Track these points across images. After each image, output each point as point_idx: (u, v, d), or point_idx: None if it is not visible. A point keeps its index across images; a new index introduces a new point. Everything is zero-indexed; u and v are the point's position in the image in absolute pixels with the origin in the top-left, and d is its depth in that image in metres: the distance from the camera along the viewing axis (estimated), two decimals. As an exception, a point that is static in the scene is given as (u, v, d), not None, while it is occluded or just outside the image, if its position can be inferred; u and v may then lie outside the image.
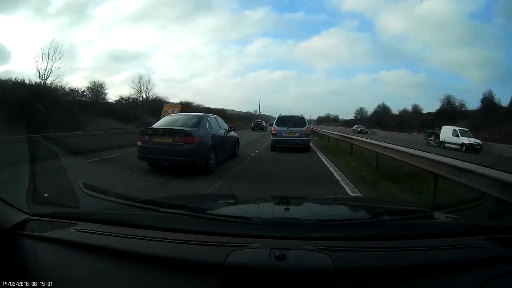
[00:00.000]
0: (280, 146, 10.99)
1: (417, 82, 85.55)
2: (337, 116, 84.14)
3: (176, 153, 6.02)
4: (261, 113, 62.61)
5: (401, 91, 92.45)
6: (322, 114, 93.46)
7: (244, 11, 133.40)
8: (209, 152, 6.41)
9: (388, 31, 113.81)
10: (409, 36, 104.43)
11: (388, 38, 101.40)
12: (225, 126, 8.44)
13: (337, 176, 6.53)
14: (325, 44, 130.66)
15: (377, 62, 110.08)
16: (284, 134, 11.08)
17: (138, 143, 6.46)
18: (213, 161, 6.56)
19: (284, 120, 11.63)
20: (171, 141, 6.09)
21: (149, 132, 6.42)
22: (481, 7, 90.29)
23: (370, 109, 65.22)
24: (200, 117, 7.28)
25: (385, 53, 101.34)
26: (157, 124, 7.18)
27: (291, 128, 11.12)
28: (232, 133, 8.77)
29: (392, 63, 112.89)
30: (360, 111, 67.99)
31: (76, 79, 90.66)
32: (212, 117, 7.73)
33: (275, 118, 12.47)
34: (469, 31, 79.26)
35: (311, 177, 6.46)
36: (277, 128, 11.32)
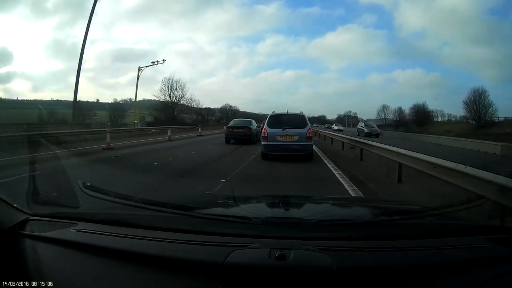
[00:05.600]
0: (273, 154, 8.74)
1: (431, 81, 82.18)
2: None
3: (243, 136, 14.75)
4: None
5: (415, 90, 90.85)
6: (342, 113, 77.44)
7: (255, 5, 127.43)
8: (255, 136, 14.92)
9: (406, 27, 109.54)
10: (427, 33, 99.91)
11: (406, 35, 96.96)
12: (255, 124, 16.71)
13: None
14: (340, 41, 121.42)
15: (392, 61, 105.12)
16: (278, 138, 8.68)
17: (225, 132, 15.96)
18: (256, 140, 14.39)
19: (278, 120, 9.22)
20: (242, 131, 14.97)
21: (231, 127, 15.60)
22: (501, 2, 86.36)
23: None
24: (250, 120, 17.16)
25: (401, 51, 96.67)
26: (232, 123, 16.44)
27: (287, 130, 8.71)
28: (258, 129, 15.66)
29: (408, 61, 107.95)
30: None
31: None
32: (251, 120, 17.45)
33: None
34: (489, 28, 77.07)
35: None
36: (269, 130, 8.84)
